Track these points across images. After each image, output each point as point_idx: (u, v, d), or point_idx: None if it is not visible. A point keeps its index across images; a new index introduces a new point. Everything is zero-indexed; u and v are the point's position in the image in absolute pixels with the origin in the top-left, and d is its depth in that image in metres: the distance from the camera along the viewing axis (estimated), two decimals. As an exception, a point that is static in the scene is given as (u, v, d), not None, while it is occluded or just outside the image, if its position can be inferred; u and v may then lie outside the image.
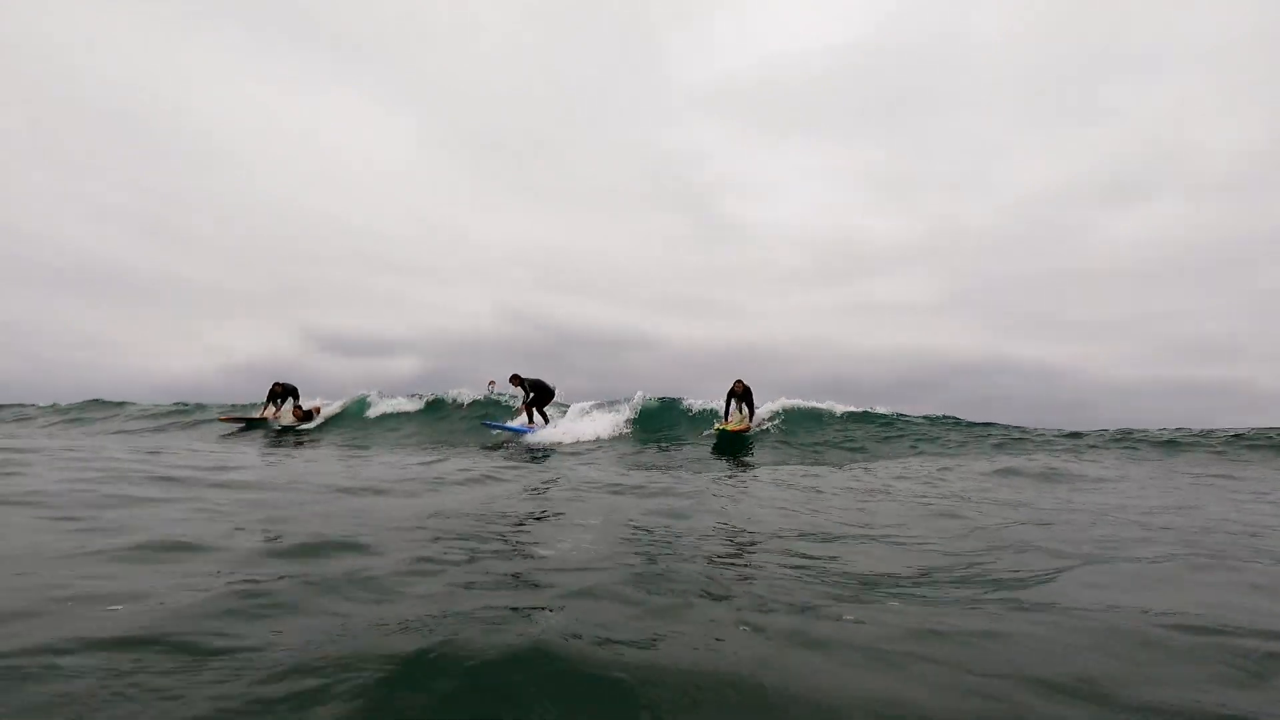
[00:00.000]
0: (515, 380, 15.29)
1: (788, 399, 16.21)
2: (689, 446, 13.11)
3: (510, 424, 15.47)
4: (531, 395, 15.30)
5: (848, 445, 13.69)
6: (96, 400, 24.53)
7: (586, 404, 16.21)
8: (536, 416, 15.31)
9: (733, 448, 12.98)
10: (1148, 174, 35.36)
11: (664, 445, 13.32)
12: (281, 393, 18.26)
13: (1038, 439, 14.14)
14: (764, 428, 15.01)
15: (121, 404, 23.97)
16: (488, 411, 17.38)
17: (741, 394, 14.58)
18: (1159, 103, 36.75)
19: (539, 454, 11.34)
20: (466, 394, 18.42)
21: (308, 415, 17.84)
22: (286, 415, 17.98)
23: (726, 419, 14.48)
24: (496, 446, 12.82)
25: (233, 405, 22.46)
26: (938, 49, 46.55)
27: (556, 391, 15.62)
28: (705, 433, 14.28)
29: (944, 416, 16.15)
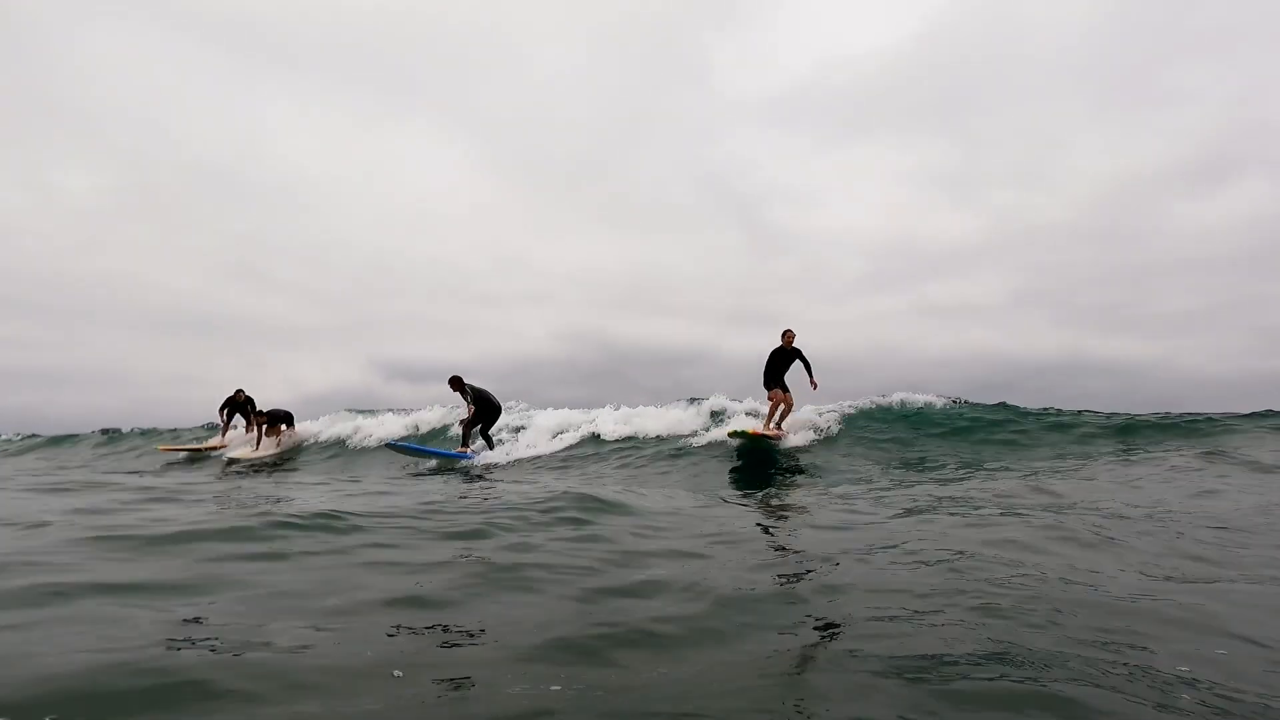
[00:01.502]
0: (455, 384, 11.40)
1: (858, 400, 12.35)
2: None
3: (434, 447, 12.30)
4: (472, 410, 11.44)
5: (1000, 440, 10.28)
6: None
7: (555, 414, 13.10)
8: (479, 440, 11.80)
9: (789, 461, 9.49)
10: (1226, 156, 33.89)
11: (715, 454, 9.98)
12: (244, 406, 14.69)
13: (1200, 427, 10.74)
14: (826, 432, 11.04)
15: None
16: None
17: (793, 353, 10.35)
18: (1233, 81, 35.27)
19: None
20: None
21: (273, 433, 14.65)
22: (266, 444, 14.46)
23: (771, 406, 10.43)
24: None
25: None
26: (990, 41, 45.14)
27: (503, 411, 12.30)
28: (729, 435, 10.06)
29: (1076, 411, 12.18)
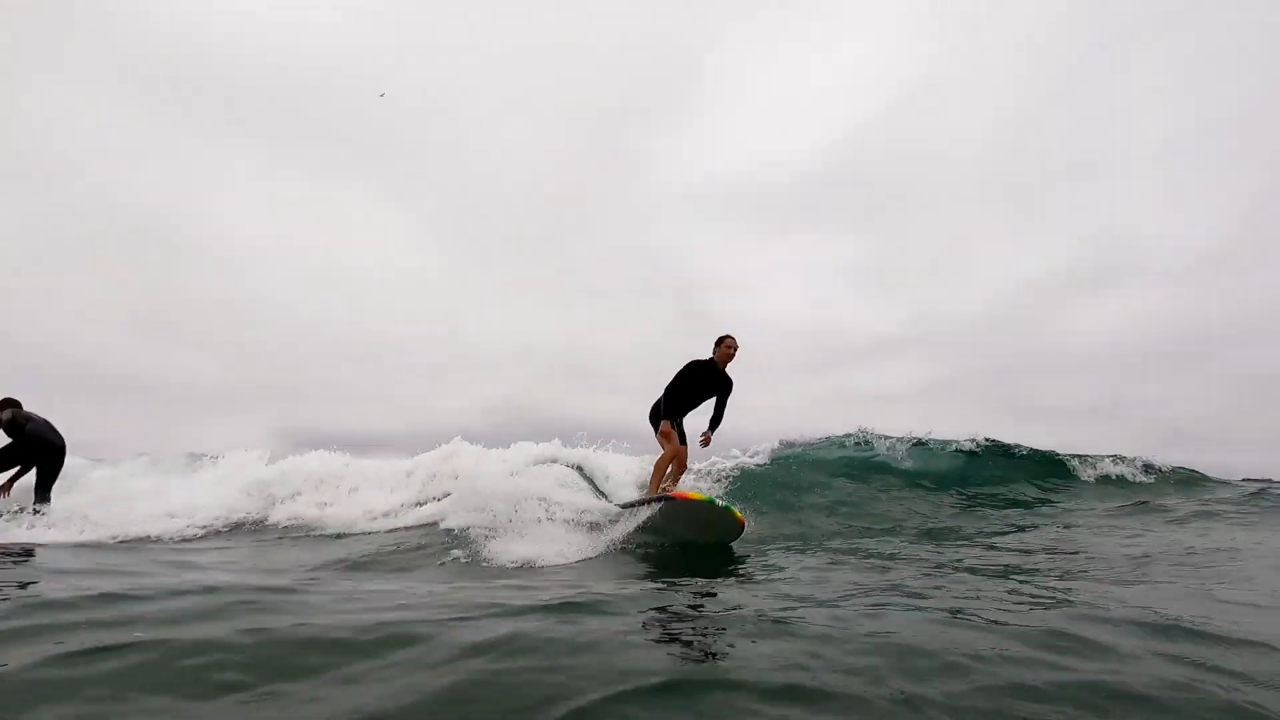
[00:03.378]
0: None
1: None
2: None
3: None
4: (10, 445, 7.26)
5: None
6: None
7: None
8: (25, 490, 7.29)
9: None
10: (1108, 267, 38.85)
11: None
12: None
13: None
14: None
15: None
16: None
17: (722, 380, 6.60)
18: (1113, 201, 41.33)
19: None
20: None
21: None
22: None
23: (659, 461, 6.42)
24: None
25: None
26: (908, 152, 51.41)
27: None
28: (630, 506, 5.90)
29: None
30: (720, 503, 5.47)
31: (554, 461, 8.23)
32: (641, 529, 5.56)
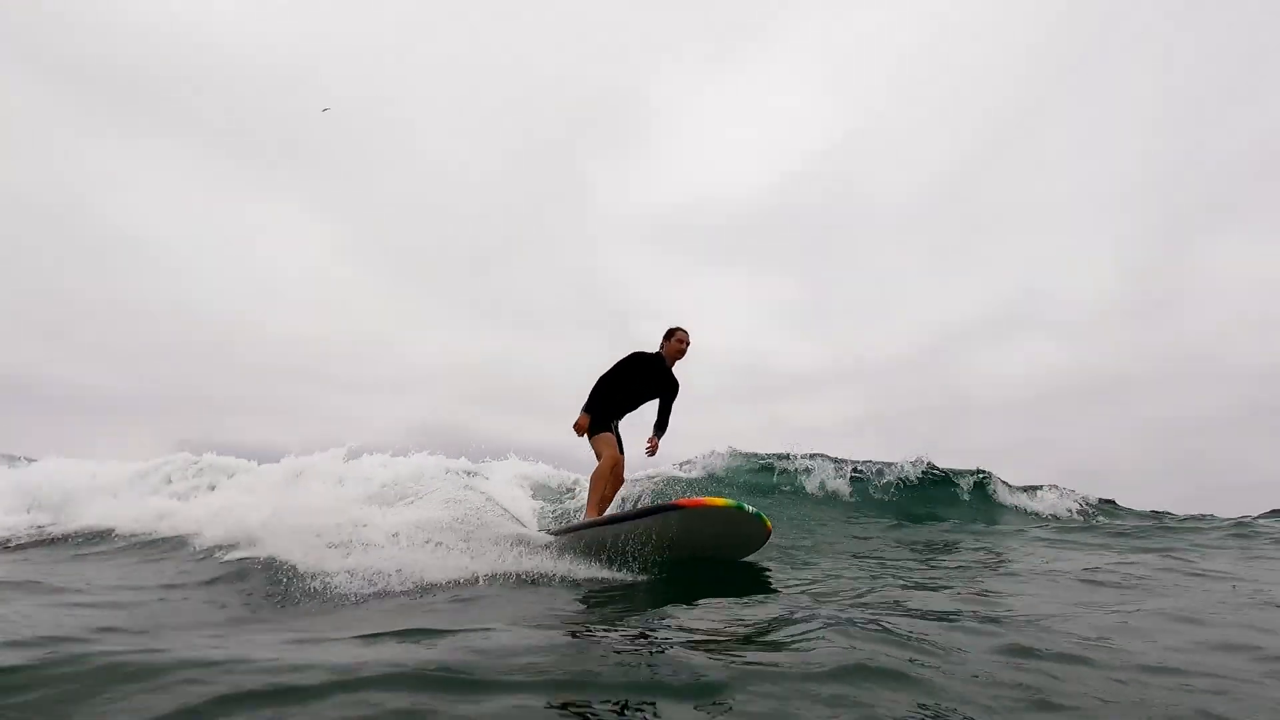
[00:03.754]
0: None
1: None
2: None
3: None
4: None
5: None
6: None
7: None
8: None
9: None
10: (1015, 317, 42.17)
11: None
12: None
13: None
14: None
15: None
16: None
17: (668, 381, 5.65)
18: (1020, 256, 44.92)
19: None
20: None
21: None
22: None
23: (596, 476, 5.35)
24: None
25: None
26: (842, 198, 54.66)
27: None
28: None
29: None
30: (749, 508, 4.40)
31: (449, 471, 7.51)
32: (602, 553, 4.52)
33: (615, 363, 5.56)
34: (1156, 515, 10.75)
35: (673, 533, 4.38)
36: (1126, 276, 39.87)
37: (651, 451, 5.70)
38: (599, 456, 5.41)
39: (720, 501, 4.38)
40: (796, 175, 55.02)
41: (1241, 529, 8.43)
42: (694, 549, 4.62)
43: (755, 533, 4.64)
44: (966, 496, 10.23)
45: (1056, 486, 10.97)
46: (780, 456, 10.17)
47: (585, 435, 5.46)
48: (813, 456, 10.14)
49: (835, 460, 10.13)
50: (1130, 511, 11.02)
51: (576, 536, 4.81)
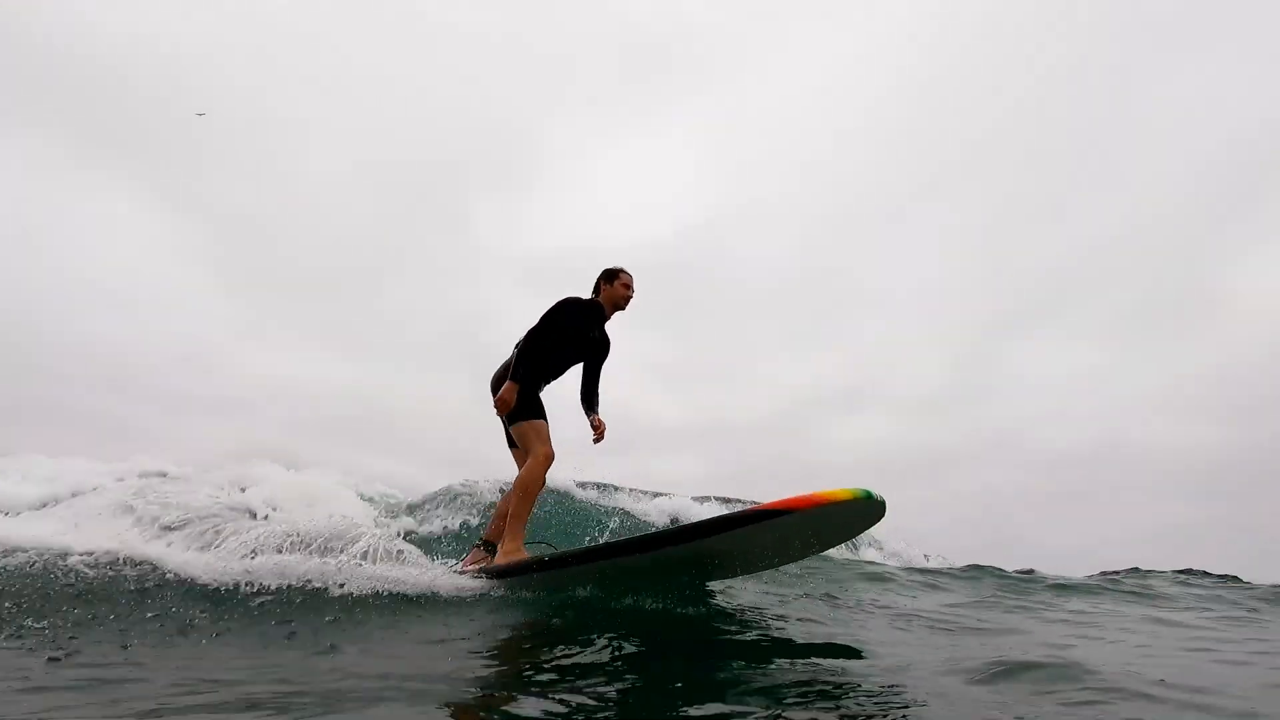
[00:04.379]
0: None
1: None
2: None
3: None
4: None
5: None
6: None
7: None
8: None
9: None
10: (860, 391, 47.27)
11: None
12: None
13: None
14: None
15: None
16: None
17: (602, 338, 4.40)
18: (866, 336, 50.10)
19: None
20: None
21: None
22: None
23: (518, 488, 3.92)
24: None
25: None
26: (710, 262, 59.12)
27: None
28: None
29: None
30: (877, 494, 3.20)
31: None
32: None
33: (545, 313, 4.08)
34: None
35: (772, 538, 3.32)
36: (949, 366, 44.93)
37: (600, 436, 4.30)
38: (529, 451, 3.93)
39: (843, 494, 3.13)
40: (666, 232, 57.92)
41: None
42: (780, 554, 3.75)
43: (871, 513, 3.43)
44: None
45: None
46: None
47: (510, 418, 3.99)
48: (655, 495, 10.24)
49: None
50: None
51: (591, 568, 3.50)
